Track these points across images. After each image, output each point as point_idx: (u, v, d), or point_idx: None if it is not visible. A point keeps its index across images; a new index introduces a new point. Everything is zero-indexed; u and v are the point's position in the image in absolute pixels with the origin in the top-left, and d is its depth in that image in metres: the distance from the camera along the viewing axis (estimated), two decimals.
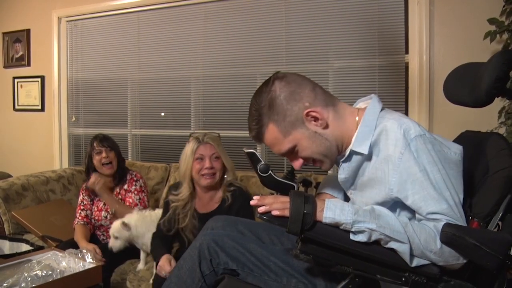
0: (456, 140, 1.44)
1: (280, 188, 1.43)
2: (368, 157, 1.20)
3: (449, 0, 2.57)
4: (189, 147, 2.11)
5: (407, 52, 2.66)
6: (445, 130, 2.48)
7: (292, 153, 1.25)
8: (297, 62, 2.93)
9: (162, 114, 3.44)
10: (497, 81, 1.20)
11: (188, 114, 3.34)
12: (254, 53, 3.07)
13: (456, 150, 1.19)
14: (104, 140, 2.55)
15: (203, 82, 3.27)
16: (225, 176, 2.16)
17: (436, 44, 2.60)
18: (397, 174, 1.11)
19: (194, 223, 2.11)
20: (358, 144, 1.20)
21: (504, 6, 2.25)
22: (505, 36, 2.30)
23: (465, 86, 1.33)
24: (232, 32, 3.14)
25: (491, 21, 2.30)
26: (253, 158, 1.50)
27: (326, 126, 1.20)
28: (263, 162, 1.47)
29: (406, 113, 2.64)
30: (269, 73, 1.32)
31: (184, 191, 2.13)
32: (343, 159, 1.26)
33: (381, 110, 1.24)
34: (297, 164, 1.26)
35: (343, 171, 1.26)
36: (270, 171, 1.46)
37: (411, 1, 2.63)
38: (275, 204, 1.07)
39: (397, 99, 2.67)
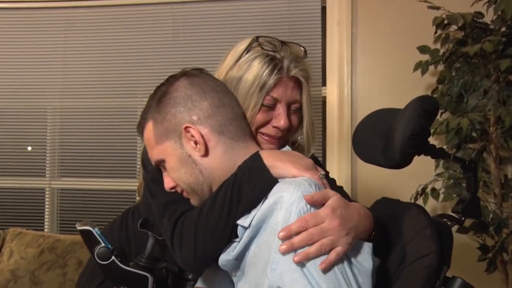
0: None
1: (128, 281, 1.35)
2: (255, 231, 1.12)
3: (374, 20, 2.66)
4: (253, 72, 1.33)
5: (324, 84, 2.71)
6: (371, 183, 2.55)
7: (164, 168, 1.26)
8: None
9: (29, 148, 3.20)
10: (412, 138, 1.17)
11: (42, 158, 3.15)
12: (134, 80, 3.01)
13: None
14: None
15: (64, 116, 3.12)
16: (297, 140, 1.52)
17: (359, 74, 2.67)
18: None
19: None
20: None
21: (436, 32, 2.33)
22: (441, 67, 2.37)
23: (377, 141, 1.30)
24: (104, 50, 3.04)
25: (422, 49, 2.37)
26: (89, 239, 1.40)
27: (205, 155, 1.20)
28: (103, 245, 1.37)
29: (324, 160, 2.68)
30: None
31: None
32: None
33: None
34: (166, 184, 1.26)
35: (229, 251, 1.18)
36: (113, 257, 1.36)
37: (329, 21, 2.71)
38: None
39: None
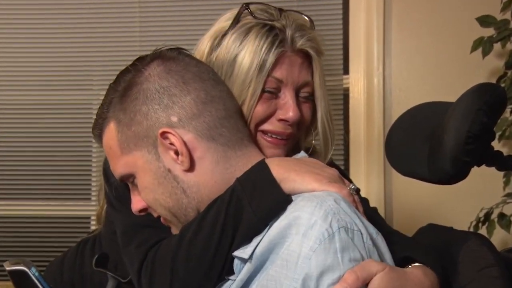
0: None
1: None
2: (259, 265, 1.12)
3: None
4: (247, 50, 1.34)
5: (346, 72, 2.74)
6: (411, 205, 2.59)
7: (133, 184, 1.26)
8: None
9: None
10: (469, 142, 1.17)
11: None
12: (88, 67, 3.05)
13: None
14: None
15: None
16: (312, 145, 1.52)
17: (394, 58, 2.69)
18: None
19: None
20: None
21: None
22: (511, 46, 2.37)
23: (419, 146, 1.32)
24: (47, 26, 3.06)
25: (484, 20, 2.35)
26: (23, 283, 1.42)
27: (190, 170, 1.19)
28: None
29: (347, 170, 2.69)
30: None
31: None
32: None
33: None
34: (135, 204, 1.26)
35: None
36: None
37: None
38: None
39: None
